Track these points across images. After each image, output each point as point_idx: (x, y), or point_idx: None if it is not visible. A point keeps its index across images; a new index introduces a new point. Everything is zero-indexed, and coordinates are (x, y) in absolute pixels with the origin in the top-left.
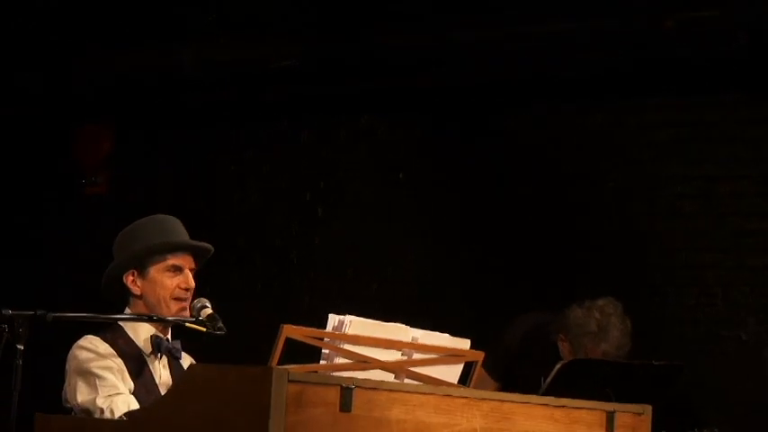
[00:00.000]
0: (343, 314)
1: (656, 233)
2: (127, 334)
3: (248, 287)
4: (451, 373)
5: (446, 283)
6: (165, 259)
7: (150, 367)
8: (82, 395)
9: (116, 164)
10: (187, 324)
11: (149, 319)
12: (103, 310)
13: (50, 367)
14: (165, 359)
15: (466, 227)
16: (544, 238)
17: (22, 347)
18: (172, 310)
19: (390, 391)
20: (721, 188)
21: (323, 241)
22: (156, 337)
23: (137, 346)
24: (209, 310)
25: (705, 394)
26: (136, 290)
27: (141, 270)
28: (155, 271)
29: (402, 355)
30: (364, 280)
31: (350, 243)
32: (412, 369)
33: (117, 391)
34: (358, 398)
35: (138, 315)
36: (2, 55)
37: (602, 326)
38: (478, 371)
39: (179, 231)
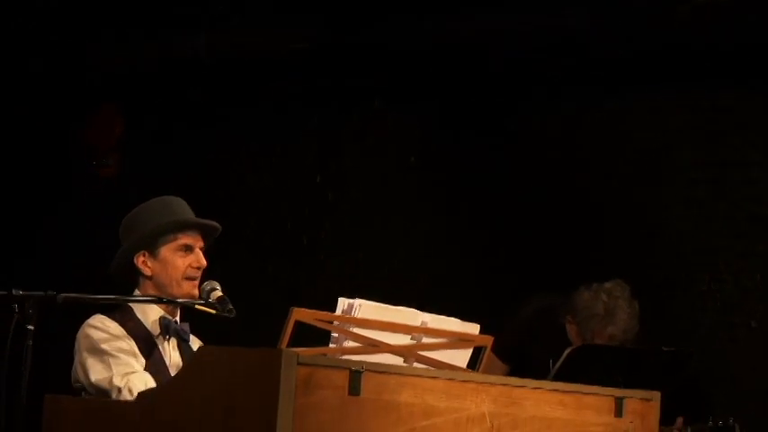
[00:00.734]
0: (353, 298)
1: (667, 219)
2: (136, 315)
3: (258, 270)
4: (461, 357)
5: (456, 268)
6: (176, 238)
7: (160, 348)
8: (96, 374)
9: (127, 146)
10: (197, 306)
11: (159, 301)
12: (113, 291)
13: (58, 349)
14: (174, 341)
15: (476, 212)
16: (555, 223)
17: (33, 328)
18: (184, 290)
19: (399, 374)
20: (733, 174)
21: (333, 225)
22: (165, 318)
23: (146, 327)
24: (219, 293)
25: (715, 381)
26: (147, 271)
27: (152, 251)
28: (166, 251)
29: (411, 339)
30: (374, 264)
31: (360, 227)
32: (421, 353)
33: (132, 369)
34: (367, 381)
35: (148, 296)
36: (17, 40)
37: (609, 308)
38: (488, 355)
39: (185, 211)
